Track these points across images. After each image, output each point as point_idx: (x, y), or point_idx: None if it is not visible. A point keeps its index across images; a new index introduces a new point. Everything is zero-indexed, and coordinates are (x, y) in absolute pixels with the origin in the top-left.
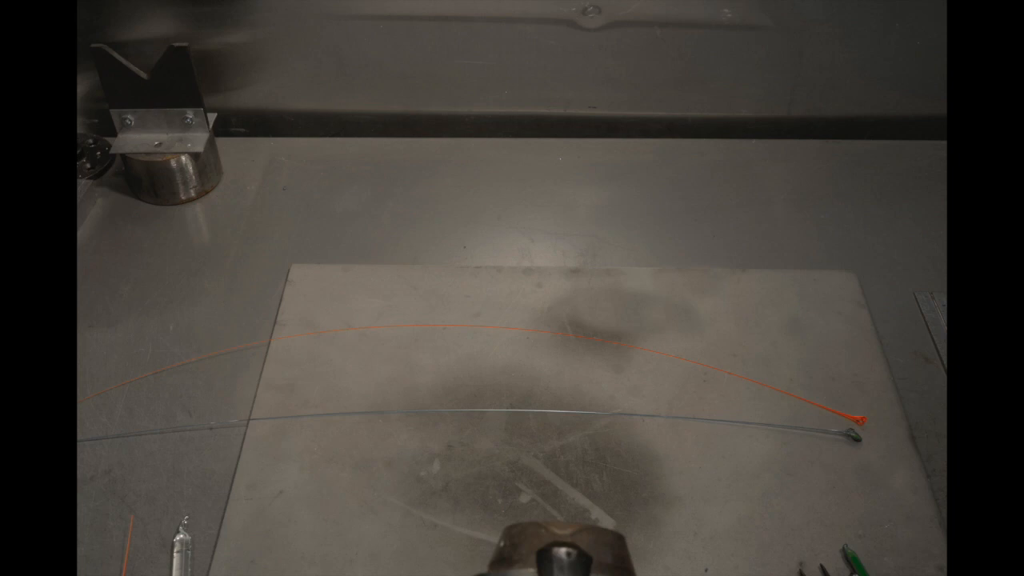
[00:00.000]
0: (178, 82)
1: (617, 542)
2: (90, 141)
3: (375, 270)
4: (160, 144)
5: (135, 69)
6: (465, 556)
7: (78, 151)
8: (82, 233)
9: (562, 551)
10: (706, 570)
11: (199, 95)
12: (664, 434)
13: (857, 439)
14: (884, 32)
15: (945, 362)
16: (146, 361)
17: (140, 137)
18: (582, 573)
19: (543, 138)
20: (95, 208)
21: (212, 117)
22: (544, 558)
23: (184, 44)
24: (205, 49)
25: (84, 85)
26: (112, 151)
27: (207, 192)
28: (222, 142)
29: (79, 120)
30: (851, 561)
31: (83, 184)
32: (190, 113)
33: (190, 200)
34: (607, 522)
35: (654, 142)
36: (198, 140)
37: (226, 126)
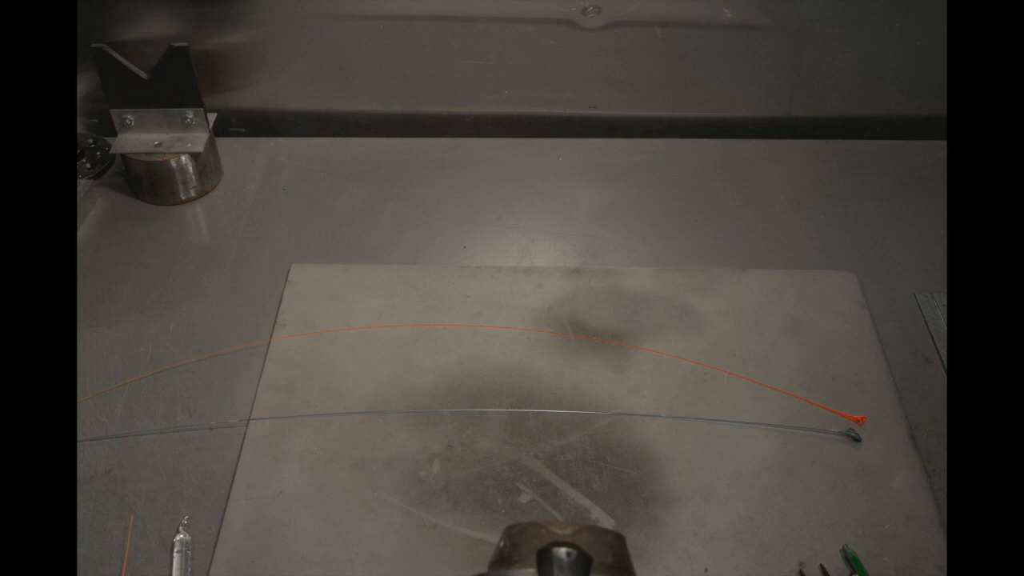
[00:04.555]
0: (178, 82)
1: (617, 542)
2: (90, 141)
3: (375, 270)
4: (160, 144)
5: (135, 69)
6: (465, 556)
7: (78, 151)
8: (82, 233)
9: (562, 551)
10: (706, 570)
11: (199, 95)
12: (664, 434)
13: (857, 439)
14: (884, 32)
15: (945, 362)
16: (146, 361)
17: (140, 137)
18: (582, 573)
19: (543, 138)
20: (95, 208)
21: (212, 117)
22: (544, 558)
23: (184, 44)
24: (205, 49)
25: (84, 85)
26: (112, 151)
27: (207, 192)
28: (222, 142)
29: (79, 120)
30: (851, 561)
31: (83, 184)
32: (190, 113)
33: (190, 200)
34: (607, 522)
35: (654, 142)
36: (198, 140)
37: (226, 126)
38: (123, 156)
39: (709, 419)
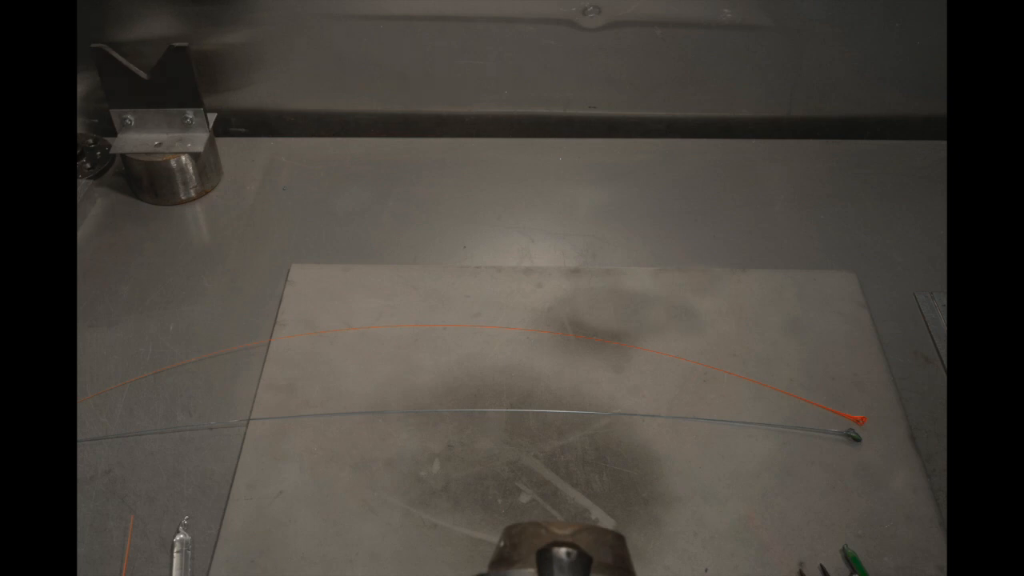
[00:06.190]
0: (178, 82)
1: (617, 542)
2: (90, 141)
3: (375, 270)
4: (160, 144)
5: (135, 69)
6: (465, 556)
7: (78, 151)
8: (82, 233)
9: (562, 551)
10: (706, 570)
11: (199, 95)
12: (664, 434)
13: (857, 439)
14: (884, 32)
15: (945, 362)
16: (146, 361)
17: (140, 137)
18: (582, 573)
19: (543, 138)
20: (95, 208)
21: (212, 117)
22: (544, 558)
23: (184, 44)
24: (205, 49)
25: (84, 85)
26: (112, 151)
27: (207, 192)
28: (222, 142)
29: (79, 120)
30: (851, 561)
31: (83, 184)
32: (190, 113)
33: (190, 200)
34: (607, 522)
35: (654, 142)
36: (198, 140)
37: (226, 126)
38: (123, 156)
39: (709, 419)
